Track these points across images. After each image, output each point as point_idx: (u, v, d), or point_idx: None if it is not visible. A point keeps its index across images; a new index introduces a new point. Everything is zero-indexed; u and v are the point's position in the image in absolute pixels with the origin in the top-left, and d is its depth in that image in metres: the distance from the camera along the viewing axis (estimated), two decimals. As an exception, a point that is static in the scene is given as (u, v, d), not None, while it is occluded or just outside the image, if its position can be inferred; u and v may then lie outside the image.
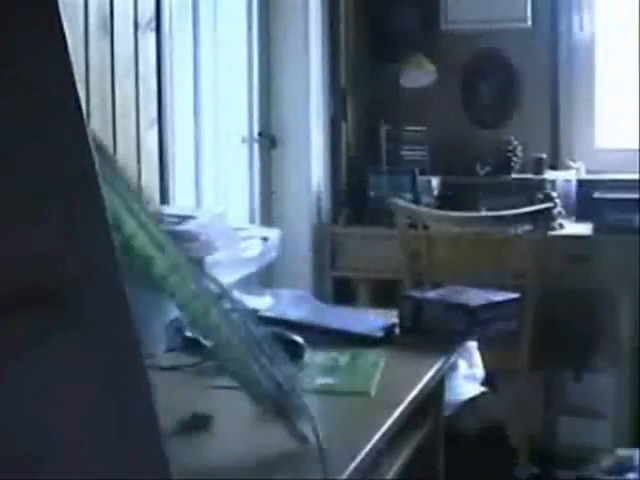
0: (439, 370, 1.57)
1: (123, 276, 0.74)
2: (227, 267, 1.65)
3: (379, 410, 1.30)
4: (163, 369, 1.50)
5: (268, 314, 1.78)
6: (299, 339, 1.56)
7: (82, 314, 0.73)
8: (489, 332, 1.75)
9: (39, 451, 0.74)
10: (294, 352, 1.52)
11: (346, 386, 1.42)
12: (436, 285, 2.07)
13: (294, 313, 1.80)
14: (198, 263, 1.52)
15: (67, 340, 0.73)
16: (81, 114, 0.74)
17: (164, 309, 1.58)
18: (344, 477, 1.06)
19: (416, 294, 1.90)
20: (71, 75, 0.73)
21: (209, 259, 1.54)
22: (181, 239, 1.56)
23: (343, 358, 1.56)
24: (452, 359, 1.72)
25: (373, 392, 1.38)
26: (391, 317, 1.78)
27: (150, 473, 0.76)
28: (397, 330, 1.74)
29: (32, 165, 0.73)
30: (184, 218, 1.67)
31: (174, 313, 1.61)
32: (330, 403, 1.36)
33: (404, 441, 1.54)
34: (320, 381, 1.42)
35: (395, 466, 1.49)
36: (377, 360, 1.55)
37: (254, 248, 1.76)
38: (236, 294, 1.88)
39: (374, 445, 1.17)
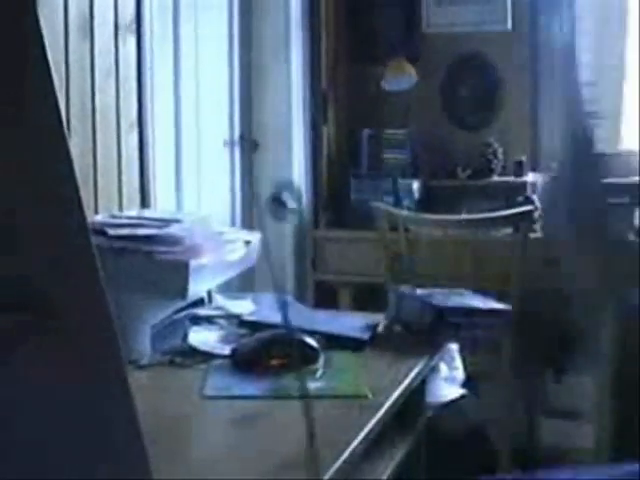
0: (420, 372, 1.57)
1: (102, 279, 0.74)
2: (211, 271, 1.64)
3: (361, 412, 1.30)
4: (143, 370, 1.49)
5: (251, 318, 1.77)
6: (314, 343, 1.55)
7: (60, 318, 0.73)
8: (461, 337, 1.75)
9: (17, 453, 0.74)
10: (308, 355, 1.51)
11: (340, 390, 1.42)
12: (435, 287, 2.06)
13: (277, 317, 1.79)
14: (183, 267, 1.52)
15: (45, 344, 0.73)
16: (59, 118, 0.73)
17: (150, 313, 1.58)
18: (327, 477, 1.06)
19: (403, 290, 1.90)
20: (50, 78, 0.72)
21: (194, 263, 1.53)
22: (165, 243, 1.56)
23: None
24: (433, 361, 1.72)
25: (370, 394, 1.38)
26: (374, 320, 1.78)
27: (130, 474, 0.76)
28: (381, 328, 1.75)
29: (11, 176, 0.72)
30: (168, 222, 1.66)
31: (159, 316, 1.61)
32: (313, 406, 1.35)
33: (387, 443, 1.54)
34: (309, 385, 1.41)
35: (382, 468, 1.49)
36: (352, 363, 1.56)
37: (237, 252, 1.75)
38: (219, 298, 1.89)
39: (357, 446, 1.17)
